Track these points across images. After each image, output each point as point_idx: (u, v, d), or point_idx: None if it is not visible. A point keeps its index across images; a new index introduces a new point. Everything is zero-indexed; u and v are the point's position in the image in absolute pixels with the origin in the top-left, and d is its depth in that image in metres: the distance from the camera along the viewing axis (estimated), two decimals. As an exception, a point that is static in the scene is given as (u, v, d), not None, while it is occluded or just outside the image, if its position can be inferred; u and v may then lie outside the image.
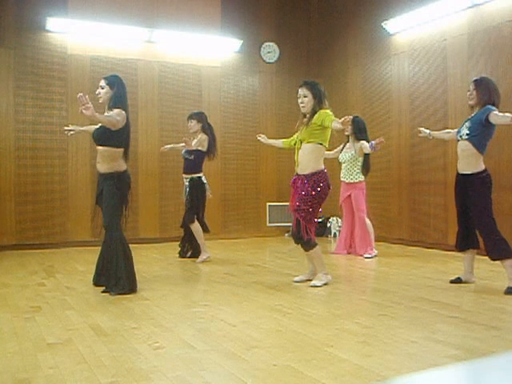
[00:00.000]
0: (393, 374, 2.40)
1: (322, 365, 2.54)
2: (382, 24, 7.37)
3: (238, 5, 8.46)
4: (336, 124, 4.15)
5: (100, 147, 4.31)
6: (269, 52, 8.74)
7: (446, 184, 6.61)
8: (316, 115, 4.34)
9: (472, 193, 4.25)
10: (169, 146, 6.51)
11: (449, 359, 2.61)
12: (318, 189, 4.38)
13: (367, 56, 7.92)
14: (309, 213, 4.40)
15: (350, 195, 6.34)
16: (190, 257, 6.16)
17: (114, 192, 4.27)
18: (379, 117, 7.56)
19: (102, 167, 4.31)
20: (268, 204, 8.64)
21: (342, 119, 4.03)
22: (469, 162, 4.27)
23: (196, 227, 5.95)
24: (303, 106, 4.44)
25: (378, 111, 7.63)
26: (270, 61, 8.76)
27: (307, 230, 4.41)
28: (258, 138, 5.27)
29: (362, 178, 6.32)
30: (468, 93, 4.43)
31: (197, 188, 5.97)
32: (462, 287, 4.39)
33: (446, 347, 2.79)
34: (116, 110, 4.22)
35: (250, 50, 8.59)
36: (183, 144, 6.34)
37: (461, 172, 4.36)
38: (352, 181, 6.30)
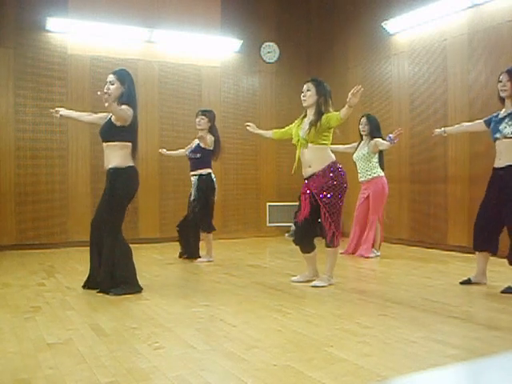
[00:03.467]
0: (393, 374, 2.40)
1: (322, 365, 2.54)
2: (382, 24, 7.37)
3: (238, 5, 8.46)
4: (343, 110, 4.09)
5: (106, 143, 4.28)
6: (269, 52, 8.74)
7: (446, 184, 6.61)
8: (324, 117, 4.29)
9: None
10: (168, 152, 6.35)
11: (449, 359, 2.61)
12: (340, 178, 4.30)
13: (367, 56, 7.92)
14: (338, 207, 4.29)
15: (368, 196, 6.19)
16: (187, 257, 6.11)
17: (116, 190, 4.22)
18: (379, 117, 7.52)
19: (107, 163, 4.28)
20: (268, 204, 8.64)
21: (350, 92, 3.96)
22: (508, 155, 4.08)
23: (210, 235, 5.88)
24: (304, 100, 4.43)
25: (378, 111, 7.62)
26: (270, 61, 8.76)
27: (335, 232, 4.30)
28: (247, 126, 5.07)
29: (380, 172, 6.18)
30: (500, 84, 4.20)
31: (207, 186, 5.79)
32: (462, 287, 4.38)
33: (446, 347, 2.79)
34: (124, 106, 4.19)
35: (250, 50, 8.59)
36: (181, 150, 6.27)
37: (503, 165, 4.13)
38: (370, 176, 6.15)
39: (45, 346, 2.86)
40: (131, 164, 4.32)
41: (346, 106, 4.06)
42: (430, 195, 6.88)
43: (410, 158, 7.17)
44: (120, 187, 4.24)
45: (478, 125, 4.55)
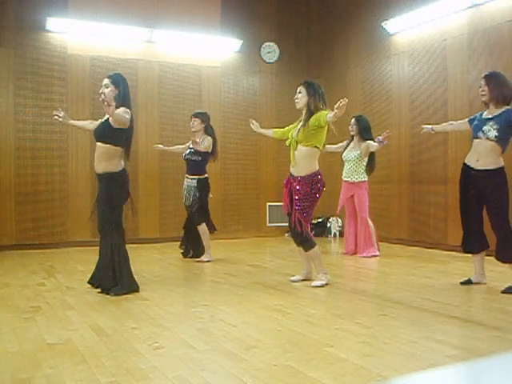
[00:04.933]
0: (393, 374, 2.40)
1: (322, 365, 2.54)
2: (382, 24, 7.37)
3: (238, 5, 8.46)
4: (330, 115, 4.15)
5: (99, 143, 4.27)
6: (269, 52, 8.74)
7: (446, 184, 6.61)
8: (313, 117, 4.34)
9: (493, 189, 4.18)
10: (161, 146, 6.47)
11: (449, 359, 2.61)
12: (315, 189, 4.43)
13: (367, 56, 7.92)
14: (307, 211, 4.42)
15: (352, 195, 6.30)
16: (191, 257, 6.16)
17: (109, 193, 4.23)
18: (379, 117, 7.55)
19: (98, 167, 4.27)
20: (268, 204, 8.64)
21: (336, 105, 4.00)
22: (492, 159, 4.19)
23: (204, 229, 5.94)
24: (297, 102, 4.51)
25: (378, 111, 7.63)
26: (270, 61, 8.76)
27: (302, 226, 4.41)
28: (251, 123, 5.18)
29: (365, 177, 6.29)
30: (480, 89, 4.31)
31: (205, 189, 5.95)
32: (462, 287, 4.39)
33: (446, 347, 2.79)
34: (122, 109, 4.20)
35: (250, 50, 8.59)
36: (179, 146, 6.38)
37: (481, 168, 4.23)
38: (357, 180, 6.25)
39: (45, 346, 2.86)
40: (123, 167, 4.34)
41: (332, 114, 4.12)
42: (429, 195, 6.88)
43: (410, 158, 7.17)
44: (115, 190, 4.24)
45: (463, 124, 4.61)
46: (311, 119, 4.35)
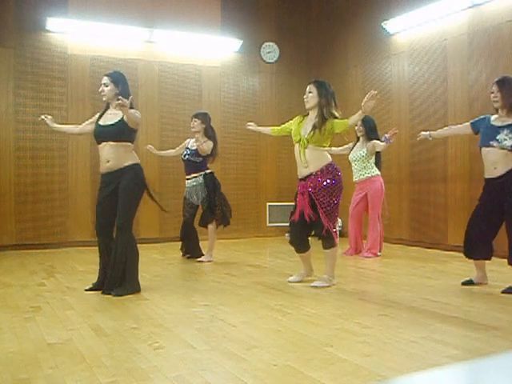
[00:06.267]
0: (393, 374, 2.40)
1: (322, 365, 2.54)
2: (382, 24, 7.37)
3: (238, 5, 8.46)
4: (354, 118, 4.19)
5: (114, 143, 4.24)
6: (269, 52, 8.74)
7: (446, 184, 6.61)
8: (331, 124, 4.28)
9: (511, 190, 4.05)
10: (155, 151, 6.36)
11: (449, 359, 2.61)
12: (338, 177, 4.35)
13: (367, 56, 7.92)
14: (334, 206, 4.33)
15: (366, 194, 6.19)
16: (188, 258, 6.15)
17: (134, 187, 4.25)
18: (379, 117, 7.54)
19: (117, 163, 4.24)
20: (268, 204, 8.64)
21: (367, 96, 4.00)
22: (506, 163, 4.08)
23: (213, 229, 5.93)
24: (306, 102, 4.44)
25: (378, 111, 7.62)
26: (270, 61, 8.76)
27: (330, 230, 4.34)
28: (248, 126, 5.17)
29: (377, 171, 6.18)
30: (492, 95, 4.19)
31: (213, 183, 5.93)
32: (462, 288, 4.39)
33: (446, 347, 2.79)
34: (133, 110, 4.21)
35: (250, 50, 8.59)
36: (171, 151, 6.35)
37: (499, 174, 4.11)
38: (369, 175, 6.13)
39: (45, 346, 2.86)
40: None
41: (360, 111, 4.11)
42: (429, 195, 6.88)
43: (410, 158, 7.16)
44: (139, 182, 4.31)
45: (465, 128, 4.52)
46: (329, 125, 4.28)
